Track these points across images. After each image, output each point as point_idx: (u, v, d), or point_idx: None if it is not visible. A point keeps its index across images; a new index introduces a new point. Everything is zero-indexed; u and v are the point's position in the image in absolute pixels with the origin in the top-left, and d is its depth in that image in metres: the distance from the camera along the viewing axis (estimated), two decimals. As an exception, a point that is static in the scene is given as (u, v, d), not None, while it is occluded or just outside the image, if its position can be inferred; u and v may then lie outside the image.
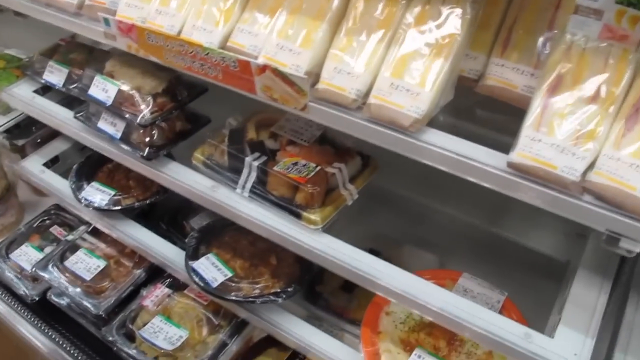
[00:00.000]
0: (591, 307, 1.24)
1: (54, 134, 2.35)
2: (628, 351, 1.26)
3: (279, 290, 1.59)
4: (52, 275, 2.00)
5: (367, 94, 1.16)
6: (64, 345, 2.03)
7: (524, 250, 1.81)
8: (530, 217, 1.82)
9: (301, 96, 1.20)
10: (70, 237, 2.15)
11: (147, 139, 1.64)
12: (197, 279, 1.61)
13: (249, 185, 1.49)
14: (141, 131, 1.64)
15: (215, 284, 1.59)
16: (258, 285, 1.61)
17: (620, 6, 1.00)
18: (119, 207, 1.91)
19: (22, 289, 2.11)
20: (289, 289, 1.59)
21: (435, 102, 1.12)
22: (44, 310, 2.12)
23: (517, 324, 1.22)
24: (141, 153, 1.63)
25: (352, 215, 1.53)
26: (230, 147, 1.54)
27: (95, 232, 2.14)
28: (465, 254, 1.81)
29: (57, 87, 1.99)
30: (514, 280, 1.58)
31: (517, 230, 1.84)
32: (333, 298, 1.81)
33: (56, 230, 2.32)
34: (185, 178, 1.60)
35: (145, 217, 2.04)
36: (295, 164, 1.45)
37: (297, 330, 1.60)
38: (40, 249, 2.24)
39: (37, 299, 2.09)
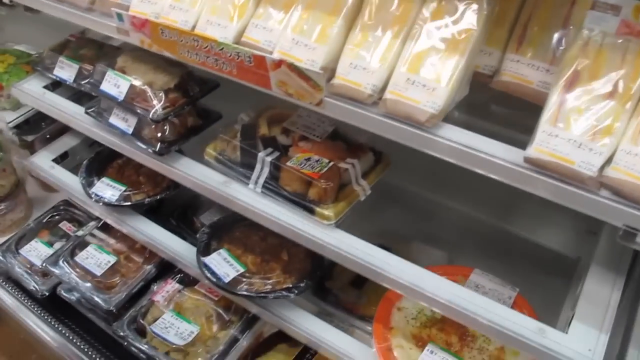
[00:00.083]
0: (604, 303, 1.24)
1: (63, 130, 2.35)
2: (642, 347, 1.27)
3: (290, 285, 1.60)
4: (63, 270, 2.01)
5: (383, 89, 1.16)
6: (74, 340, 2.04)
7: (534, 246, 1.81)
8: (540, 214, 1.82)
9: (317, 91, 1.20)
10: (80, 233, 2.16)
11: (159, 135, 1.65)
12: (209, 275, 1.62)
13: (261, 180, 1.49)
14: (153, 126, 1.64)
15: (227, 279, 1.59)
16: (270, 281, 1.61)
17: (637, 2, 1.00)
18: (129, 203, 1.91)
19: (32, 284, 2.12)
20: (301, 285, 1.59)
21: (451, 97, 1.12)
22: (53, 305, 2.13)
23: (531, 319, 1.22)
24: (153, 148, 1.63)
25: (361, 212, 1.54)
26: (242, 142, 1.54)
27: (105, 228, 2.15)
28: (474, 251, 1.82)
29: (68, 83, 1.99)
30: (523, 276, 1.58)
31: (526, 227, 1.84)
32: (343, 294, 1.82)
33: (65, 225, 2.33)
34: (197, 173, 1.60)
35: (155, 213, 2.04)
36: (308, 159, 1.45)
37: (309, 325, 1.60)
38: (50, 244, 2.25)
39: (47, 294, 2.10)
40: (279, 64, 1.21)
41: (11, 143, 2.44)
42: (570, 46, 1.07)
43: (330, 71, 1.23)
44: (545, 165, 1.01)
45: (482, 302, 1.26)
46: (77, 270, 2.02)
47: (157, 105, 1.61)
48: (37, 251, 2.23)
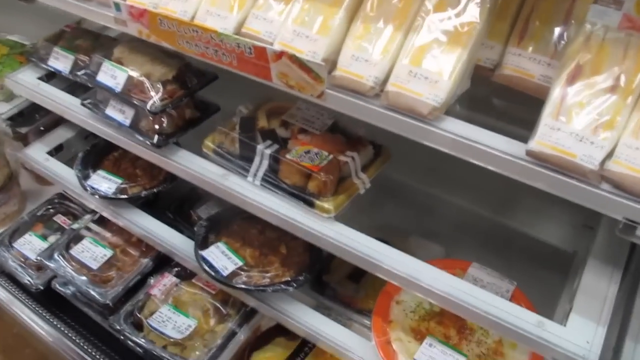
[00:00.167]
0: (602, 296, 1.25)
1: (57, 122, 2.33)
2: (639, 339, 1.27)
3: (289, 279, 1.59)
4: (58, 264, 1.99)
5: (385, 81, 1.16)
6: (69, 335, 2.03)
7: (531, 240, 1.82)
8: (537, 209, 1.83)
9: (318, 83, 1.20)
10: (75, 226, 2.14)
11: (157, 127, 1.64)
12: (207, 268, 1.61)
13: (260, 173, 1.48)
14: (150, 118, 1.63)
15: (225, 273, 1.59)
16: (268, 274, 1.61)
17: (640, -5, 1.01)
18: (125, 196, 1.90)
19: (27, 278, 2.10)
20: (299, 278, 1.59)
21: (453, 90, 1.12)
22: (48, 299, 2.12)
23: (530, 312, 1.23)
24: (151, 141, 1.62)
25: (359, 206, 1.54)
26: (241, 135, 1.53)
27: (101, 221, 2.14)
28: (472, 245, 1.82)
29: (63, 74, 1.98)
30: (519, 270, 1.59)
31: (523, 222, 1.85)
32: (340, 288, 1.82)
33: (60, 219, 2.31)
34: (195, 166, 1.59)
35: (151, 206, 2.03)
36: (308, 152, 1.45)
37: (308, 318, 1.60)
38: (44, 237, 2.23)
39: (41, 288, 2.08)
40: (279, 55, 1.21)
41: (4, 135, 2.41)
42: (573, 40, 1.08)
43: (331, 63, 1.23)
44: (547, 159, 1.02)
45: (481, 295, 1.27)
46: (73, 263, 2.00)
47: (155, 97, 1.60)
48: (31, 245, 2.21)
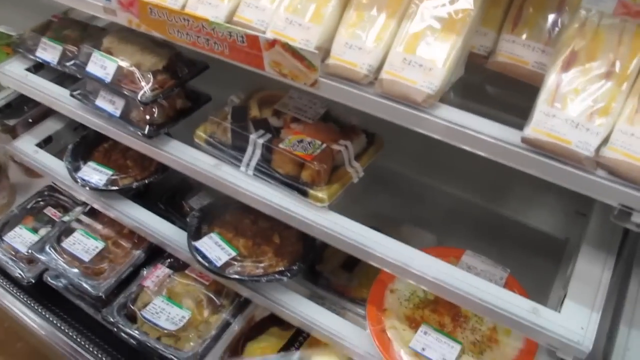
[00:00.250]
0: (596, 283, 1.26)
1: (46, 114, 2.30)
2: (632, 325, 1.28)
3: (283, 268, 1.59)
4: (50, 257, 1.97)
5: (379, 69, 1.16)
6: (62, 327, 2.01)
7: (523, 228, 1.83)
8: (529, 196, 1.84)
9: (311, 71, 1.19)
10: (66, 219, 2.12)
11: (148, 117, 1.62)
12: (200, 259, 1.60)
13: (253, 163, 1.48)
14: (141, 109, 1.62)
15: (219, 263, 1.58)
16: (262, 264, 1.60)
17: (635, -18, 1.01)
18: (116, 187, 1.88)
19: (18, 271, 2.09)
20: (293, 267, 1.59)
21: (447, 78, 1.12)
22: (40, 292, 2.10)
23: (525, 299, 1.23)
24: (142, 131, 1.61)
25: (351, 195, 1.53)
26: (233, 124, 1.52)
27: (92, 213, 2.12)
28: (464, 233, 1.82)
29: (51, 65, 1.95)
30: (512, 258, 1.59)
31: (516, 209, 1.86)
32: (334, 277, 1.82)
33: (50, 211, 2.29)
34: (187, 156, 1.58)
35: (142, 197, 2.02)
36: (301, 141, 1.44)
37: (302, 308, 1.60)
38: (35, 230, 2.21)
39: (33, 281, 2.06)
40: (272, 43, 1.20)
41: (-8, 127, 2.39)
42: (567, 26, 1.07)
43: (324, 51, 1.22)
44: (542, 146, 1.02)
45: (475, 282, 1.27)
46: (64, 256, 1.99)
47: (146, 87, 1.58)
48: (21, 238, 2.19)
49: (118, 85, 1.62)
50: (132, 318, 1.84)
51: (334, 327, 1.55)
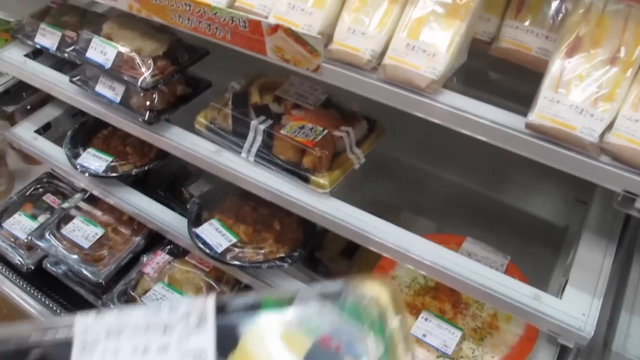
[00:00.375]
0: (597, 269, 1.26)
1: (44, 101, 2.29)
2: (633, 311, 1.29)
3: (284, 255, 1.59)
4: (49, 243, 1.97)
5: (382, 54, 1.15)
6: (62, 314, 2.02)
7: (523, 215, 1.83)
8: (529, 184, 1.84)
9: (314, 57, 1.18)
10: (65, 205, 2.11)
11: (148, 103, 1.61)
12: (201, 245, 1.60)
13: (254, 149, 1.47)
14: (141, 95, 1.60)
15: (220, 250, 1.58)
16: (262, 251, 1.60)
17: (640, -33, 1.00)
18: (116, 174, 1.88)
19: (17, 258, 2.09)
20: (294, 254, 1.58)
21: (451, 63, 1.11)
22: (40, 279, 2.10)
23: (526, 285, 1.24)
24: (142, 117, 1.60)
25: (350, 182, 1.53)
26: (234, 110, 1.51)
27: (92, 200, 2.11)
28: (463, 221, 1.83)
29: (50, 51, 1.93)
30: (512, 245, 1.60)
31: (515, 197, 1.86)
32: (333, 264, 1.82)
33: (49, 198, 2.29)
34: (188, 142, 1.57)
35: (142, 184, 2.01)
36: (302, 127, 1.44)
37: (302, 295, 1.60)
38: (34, 217, 2.21)
39: (32, 268, 2.06)
40: (275, 28, 1.19)
41: (-10, 114, 2.37)
42: (572, 12, 1.07)
43: (327, 36, 1.21)
44: (546, 132, 1.02)
45: (478, 268, 1.27)
46: (64, 243, 1.98)
47: (146, 73, 1.57)
48: (20, 224, 2.18)
49: (118, 71, 1.61)
50: (132, 304, 1.84)
51: (335, 313, 1.55)
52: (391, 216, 1.68)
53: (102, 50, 1.64)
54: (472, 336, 1.43)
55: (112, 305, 1.82)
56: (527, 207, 1.83)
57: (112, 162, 1.89)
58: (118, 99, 1.65)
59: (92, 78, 1.73)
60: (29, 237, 2.02)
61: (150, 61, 1.59)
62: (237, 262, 1.57)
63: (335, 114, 1.52)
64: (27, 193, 2.31)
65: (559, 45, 1.05)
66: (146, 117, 1.60)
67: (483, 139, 1.09)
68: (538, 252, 1.67)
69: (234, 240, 1.62)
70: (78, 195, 2.15)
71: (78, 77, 1.76)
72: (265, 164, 1.46)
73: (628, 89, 1.00)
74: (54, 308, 2.03)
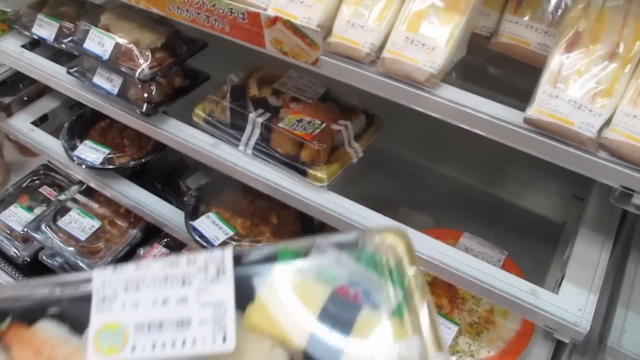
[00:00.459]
0: (593, 265, 1.26)
1: (41, 92, 2.29)
2: (629, 306, 1.29)
3: (281, 248, 1.59)
4: (46, 235, 1.96)
5: (381, 48, 1.15)
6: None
7: (520, 211, 1.83)
8: (526, 179, 1.84)
9: (313, 49, 1.18)
10: (62, 197, 2.11)
11: (146, 95, 1.60)
12: (198, 238, 1.60)
13: (252, 142, 1.47)
14: (139, 87, 1.60)
15: (217, 243, 1.58)
16: (259, 244, 1.60)
17: (641, -38, 1.00)
18: (113, 166, 1.87)
19: (13, 250, 2.08)
20: (291, 248, 1.58)
21: (450, 57, 1.11)
22: (35, 271, 2.10)
23: (523, 281, 1.24)
24: (140, 109, 1.59)
25: (348, 177, 1.53)
26: (232, 103, 1.51)
27: (88, 192, 2.11)
28: (461, 216, 1.83)
29: (48, 42, 1.93)
30: (509, 240, 1.60)
31: (513, 193, 1.86)
32: (330, 258, 1.81)
33: (46, 190, 2.28)
34: (185, 135, 1.57)
35: (139, 177, 2.01)
36: (300, 120, 1.43)
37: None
38: (30, 209, 2.20)
39: (28, 260, 2.06)
40: (274, 21, 1.18)
41: (-13, 105, 2.36)
42: (571, 7, 1.07)
43: (326, 29, 1.20)
44: (545, 126, 1.01)
45: (475, 263, 1.27)
46: (60, 235, 1.98)
47: (144, 65, 1.56)
48: (16, 216, 2.18)
49: (116, 62, 1.60)
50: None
51: (331, 307, 1.55)
52: (389, 211, 1.67)
53: (99, 42, 1.63)
54: (469, 331, 1.43)
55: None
56: (525, 203, 1.84)
57: (109, 154, 1.89)
58: (116, 91, 1.64)
59: (90, 69, 1.72)
60: (25, 229, 2.01)
61: (148, 53, 1.58)
62: (234, 256, 1.56)
63: (333, 107, 1.52)
64: (24, 185, 2.31)
65: (558, 40, 1.05)
66: (144, 109, 1.59)
67: (481, 133, 1.09)
68: (535, 248, 1.68)
69: (231, 233, 1.61)
70: (75, 188, 2.15)
71: (75, 69, 1.75)
72: (263, 157, 1.46)
73: (627, 85, 0.99)
74: (50, 300, 2.02)
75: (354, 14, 1.18)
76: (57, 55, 2.03)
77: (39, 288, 0.69)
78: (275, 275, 0.67)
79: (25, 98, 2.32)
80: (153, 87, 1.61)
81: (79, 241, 1.95)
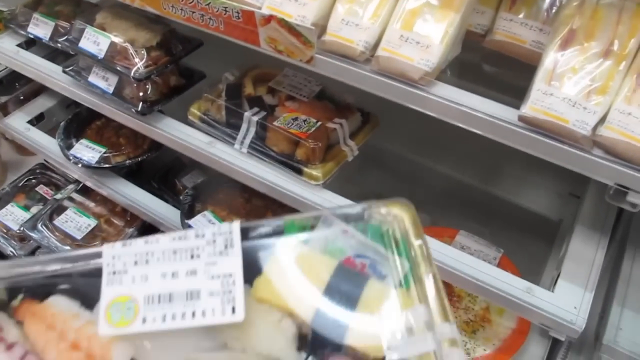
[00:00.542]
0: (589, 263, 1.26)
1: (37, 91, 2.29)
2: (625, 304, 1.29)
3: (277, 247, 1.58)
4: (42, 234, 1.96)
5: (376, 46, 1.14)
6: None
7: (517, 209, 1.83)
8: (523, 177, 1.84)
9: (307, 48, 1.17)
10: (58, 196, 2.11)
11: (141, 94, 1.60)
12: (194, 237, 1.59)
13: (247, 140, 1.46)
14: (135, 85, 1.60)
15: (213, 241, 1.57)
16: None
17: (635, -41, 1.00)
18: (109, 165, 1.87)
19: (10, 248, 2.09)
20: (287, 246, 1.58)
21: (445, 55, 1.11)
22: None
23: (519, 279, 1.24)
24: (135, 108, 1.59)
25: (344, 175, 1.53)
26: (228, 102, 1.51)
27: (84, 191, 2.11)
28: (457, 214, 1.83)
29: (43, 41, 1.92)
30: (505, 238, 1.60)
31: (509, 190, 1.86)
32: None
33: (42, 189, 2.28)
34: (181, 133, 1.57)
35: (135, 176, 2.01)
36: (296, 119, 1.43)
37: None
38: (27, 208, 2.20)
39: (25, 258, 2.06)
40: (268, 19, 1.18)
41: (-17, 105, 2.36)
42: (566, 5, 1.06)
43: (321, 28, 1.20)
44: (539, 124, 1.01)
45: (471, 262, 1.27)
46: (56, 234, 1.98)
47: (139, 64, 1.56)
48: (13, 215, 2.18)
49: (111, 61, 1.60)
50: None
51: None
52: (385, 209, 1.68)
53: (95, 41, 1.62)
54: (465, 329, 1.43)
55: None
56: (521, 201, 1.84)
57: (105, 153, 1.88)
58: (111, 90, 1.64)
59: (86, 68, 1.72)
60: (22, 228, 2.01)
61: (143, 52, 1.58)
62: (230, 254, 1.56)
63: (329, 105, 1.52)
64: (20, 184, 2.31)
65: (553, 37, 1.05)
66: (139, 108, 1.59)
67: (476, 131, 1.09)
68: (531, 245, 1.68)
69: (227, 232, 1.61)
70: (71, 187, 2.15)
71: (71, 68, 1.75)
72: (259, 156, 1.46)
73: (621, 82, 0.99)
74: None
75: (349, 12, 1.18)
76: (53, 54, 2.03)
77: (50, 264, 0.70)
78: (282, 248, 0.68)
79: (22, 97, 2.31)
80: (148, 86, 1.61)
81: (75, 240, 1.95)
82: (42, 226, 1.99)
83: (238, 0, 1.27)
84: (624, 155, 0.97)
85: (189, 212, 1.68)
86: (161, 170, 2.08)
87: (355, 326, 0.62)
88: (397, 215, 0.68)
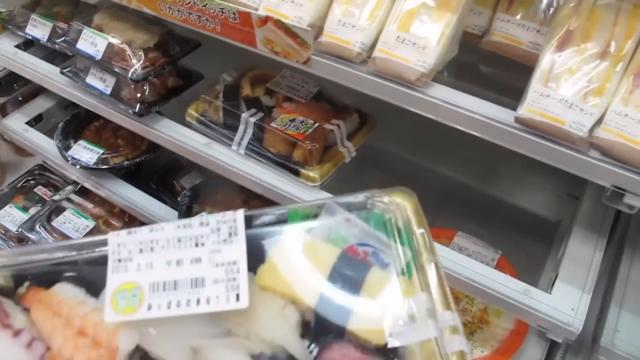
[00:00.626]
0: (587, 264, 1.26)
1: (36, 92, 2.28)
2: (623, 306, 1.29)
3: (274, 248, 1.58)
4: (40, 235, 1.96)
5: (372, 47, 1.14)
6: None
7: (515, 210, 1.83)
8: (521, 178, 1.84)
9: (304, 49, 1.17)
10: (56, 197, 2.11)
11: (139, 95, 1.60)
12: (191, 238, 1.59)
13: (245, 142, 1.46)
14: (132, 86, 1.59)
15: (210, 243, 1.57)
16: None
17: (632, -40, 0.99)
18: (107, 166, 1.87)
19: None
20: (285, 247, 1.58)
21: (441, 56, 1.10)
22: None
23: (516, 280, 1.23)
24: (133, 109, 1.59)
25: (342, 175, 1.53)
26: (225, 103, 1.51)
27: (83, 192, 2.11)
28: (455, 215, 1.82)
29: (42, 42, 1.92)
30: (503, 239, 1.60)
31: (508, 191, 1.85)
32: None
33: (41, 190, 2.28)
34: (178, 135, 1.57)
35: (133, 177, 2.01)
36: (293, 120, 1.43)
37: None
38: (25, 209, 2.20)
39: (23, 259, 2.05)
40: (265, 20, 1.18)
41: (-19, 106, 2.36)
42: (563, 6, 1.06)
43: (317, 29, 1.20)
44: (536, 126, 1.01)
45: (468, 263, 1.26)
46: (55, 235, 1.97)
47: (137, 65, 1.56)
48: (11, 216, 2.17)
49: (109, 62, 1.60)
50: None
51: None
52: (383, 210, 1.68)
53: (92, 42, 1.62)
54: (462, 330, 1.43)
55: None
56: (519, 202, 1.83)
57: (103, 154, 1.88)
58: (109, 91, 1.64)
59: (83, 69, 1.72)
60: (20, 230, 2.01)
61: (141, 53, 1.58)
62: (227, 256, 1.56)
63: (326, 107, 1.52)
64: (19, 185, 2.30)
65: (550, 39, 1.04)
66: (137, 109, 1.59)
67: (472, 132, 1.09)
68: (530, 246, 1.67)
69: (225, 233, 1.61)
70: (69, 188, 2.14)
71: (69, 69, 1.75)
72: (256, 157, 1.45)
73: (618, 84, 0.99)
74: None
75: (345, 13, 1.17)
76: (52, 55, 2.03)
77: (56, 252, 0.71)
78: (286, 236, 0.69)
79: (20, 98, 2.31)
80: (146, 87, 1.61)
81: (73, 241, 1.94)
82: (40, 227, 1.99)
83: (234, 2, 1.27)
84: (620, 157, 0.97)
85: (186, 213, 1.68)
86: (159, 172, 2.08)
87: (357, 313, 0.63)
88: (399, 204, 0.69)
